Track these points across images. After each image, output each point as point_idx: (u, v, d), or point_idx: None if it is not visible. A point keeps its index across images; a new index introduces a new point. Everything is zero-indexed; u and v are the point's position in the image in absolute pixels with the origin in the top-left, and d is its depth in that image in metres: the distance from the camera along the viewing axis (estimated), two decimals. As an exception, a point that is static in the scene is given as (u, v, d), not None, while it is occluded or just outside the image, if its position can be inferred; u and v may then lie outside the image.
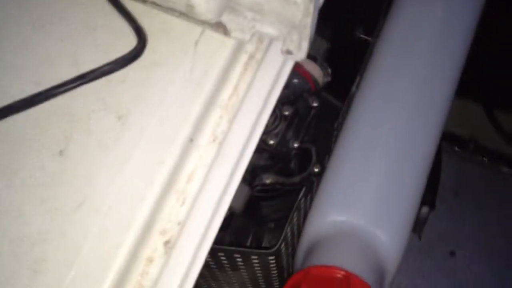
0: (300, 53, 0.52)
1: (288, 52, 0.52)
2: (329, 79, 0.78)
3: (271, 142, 0.67)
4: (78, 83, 0.49)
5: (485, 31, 1.21)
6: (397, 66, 0.71)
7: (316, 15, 0.49)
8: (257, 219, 0.81)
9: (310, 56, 0.78)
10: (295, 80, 0.72)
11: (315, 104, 0.70)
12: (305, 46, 0.51)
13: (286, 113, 0.69)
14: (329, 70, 0.77)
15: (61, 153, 0.49)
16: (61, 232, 0.47)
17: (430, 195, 1.25)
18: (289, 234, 0.72)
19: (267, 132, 0.68)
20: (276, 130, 0.68)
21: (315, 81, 0.75)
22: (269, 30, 0.52)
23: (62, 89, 0.48)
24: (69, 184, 0.48)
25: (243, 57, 0.53)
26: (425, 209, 1.17)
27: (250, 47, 0.53)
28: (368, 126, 0.66)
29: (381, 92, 0.70)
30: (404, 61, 0.71)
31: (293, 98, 0.70)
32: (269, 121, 0.64)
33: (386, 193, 0.61)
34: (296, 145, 0.68)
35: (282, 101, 0.69)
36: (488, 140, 1.45)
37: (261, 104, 0.53)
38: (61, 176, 0.48)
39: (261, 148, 0.67)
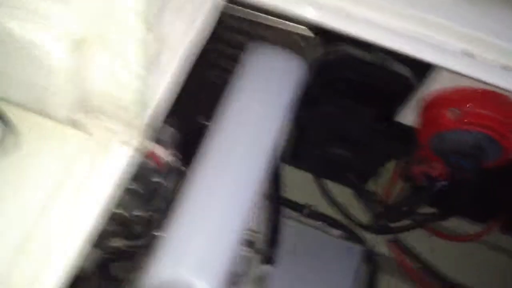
0: (137, 144, 0.69)
1: (127, 144, 0.69)
2: (176, 162, 0.96)
3: (118, 211, 0.82)
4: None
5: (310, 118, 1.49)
6: (222, 149, 0.91)
7: (148, 116, 0.67)
8: (109, 279, 0.93)
9: (160, 140, 0.95)
10: (143, 161, 0.88)
11: (156, 179, 0.87)
12: (139, 140, 0.68)
13: (132, 187, 0.85)
14: (174, 153, 0.95)
15: None
16: None
17: (271, 254, 1.46)
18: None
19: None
20: (123, 201, 0.83)
21: (163, 162, 0.92)
22: (114, 127, 0.69)
23: None
24: None
25: (95, 147, 0.69)
26: (266, 266, 1.36)
27: (99, 139, 0.69)
28: (196, 200, 0.83)
29: (207, 171, 0.88)
30: (228, 146, 0.91)
31: (140, 174, 0.86)
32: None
33: (206, 253, 0.78)
34: (139, 214, 0.84)
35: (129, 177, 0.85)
36: (322, 206, 1.72)
37: (111, 181, 0.69)
38: None
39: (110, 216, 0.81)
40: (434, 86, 1.06)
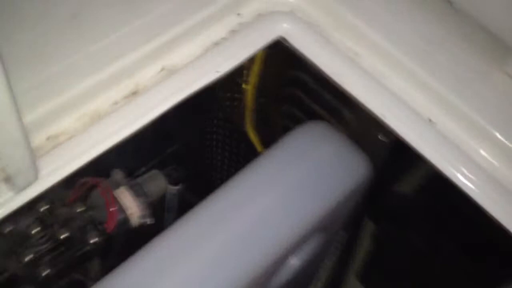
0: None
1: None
2: (147, 221, 0.74)
3: (27, 258, 0.62)
4: None
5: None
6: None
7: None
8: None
9: (138, 190, 0.74)
10: (95, 207, 0.68)
11: (91, 241, 0.65)
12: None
13: (61, 236, 0.64)
14: (148, 211, 0.73)
15: None
16: None
17: None
18: None
19: (29, 245, 0.63)
20: (38, 248, 0.63)
21: (125, 218, 0.71)
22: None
23: None
24: None
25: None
26: None
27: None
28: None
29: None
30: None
31: (78, 223, 0.66)
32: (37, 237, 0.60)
33: None
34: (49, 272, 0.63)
35: (61, 222, 0.65)
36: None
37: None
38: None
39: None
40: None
